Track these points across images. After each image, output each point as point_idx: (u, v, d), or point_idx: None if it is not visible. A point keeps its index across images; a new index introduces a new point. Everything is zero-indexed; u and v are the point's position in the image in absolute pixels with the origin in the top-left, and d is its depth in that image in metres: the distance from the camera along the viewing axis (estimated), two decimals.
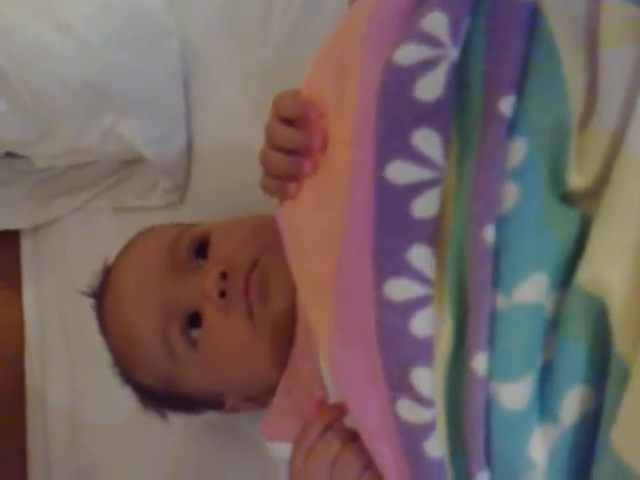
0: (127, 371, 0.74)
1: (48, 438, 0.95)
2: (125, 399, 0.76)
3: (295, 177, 0.56)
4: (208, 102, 0.85)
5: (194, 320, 0.67)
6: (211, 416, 0.78)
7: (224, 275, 0.64)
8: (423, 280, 0.48)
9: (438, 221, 0.47)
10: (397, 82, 0.47)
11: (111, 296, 0.73)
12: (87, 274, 0.78)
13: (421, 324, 0.48)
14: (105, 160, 0.89)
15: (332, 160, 0.53)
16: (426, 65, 0.46)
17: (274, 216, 0.72)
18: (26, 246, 0.98)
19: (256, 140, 0.78)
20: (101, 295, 0.75)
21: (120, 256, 0.75)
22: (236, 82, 0.84)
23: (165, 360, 0.68)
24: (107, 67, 0.79)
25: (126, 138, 0.83)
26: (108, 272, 0.75)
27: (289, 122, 0.56)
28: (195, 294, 0.66)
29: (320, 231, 0.53)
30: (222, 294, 0.64)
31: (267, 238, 0.68)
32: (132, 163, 0.90)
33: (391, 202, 0.48)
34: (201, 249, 0.69)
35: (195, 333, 0.66)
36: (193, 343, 0.67)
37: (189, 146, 0.86)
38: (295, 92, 0.57)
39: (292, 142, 0.55)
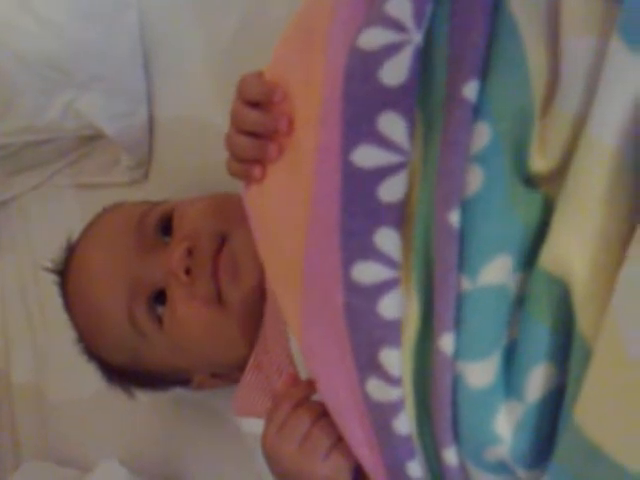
0: (92, 348, 0.74)
1: (14, 416, 0.96)
2: (91, 374, 0.76)
3: (261, 161, 0.56)
4: (170, 78, 0.84)
5: (160, 297, 0.66)
6: (177, 393, 0.78)
7: (190, 252, 0.64)
8: (390, 263, 0.48)
9: (405, 204, 0.48)
10: (362, 66, 0.47)
11: (76, 273, 0.72)
12: (49, 252, 0.77)
13: (389, 306, 0.49)
14: (65, 137, 0.87)
15: (298, 143, 0.53)
16: (391, 50, 0.46)
17: (235, 194, 0.72)
18: None
19: (220, 116, 0.79)
20: (66, 272, 0.74)
21: (85, 233, 0.74)
22: (199, 57, 0.83)
23: (131, 337, 0.68)
24: (66, 42, 0.78)
25: (86, 114, 0.82)
26: (72, 249, 0.74)
27: (254, 105, 0.55)
28: (161, 271, 0.66)
29: (288, 214, 0.54)
30: (188, 271, 0.64)
31: (233, 213, 0.67)
32: (93, 139, 0.89)
33: (358, 186, 0.48)
34: (167, 226, 0.68)
35: (161, 309, 0.66)
36: (159, 320, 0.67)
37: (151, 122, 0.85)
38: (259, 74, 0.57)
39: (257, 125, 0.55)
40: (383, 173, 0.47)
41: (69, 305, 0.74)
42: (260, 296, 0.64)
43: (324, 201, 0.49)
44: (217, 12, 0.82)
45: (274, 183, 0.56)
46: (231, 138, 0.58)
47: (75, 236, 0.75)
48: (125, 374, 0.74)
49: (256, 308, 0.65)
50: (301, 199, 0.51)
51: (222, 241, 0.65)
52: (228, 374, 0.72)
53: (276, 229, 0.55)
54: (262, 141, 0.55)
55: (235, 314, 0.65)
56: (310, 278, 0.52)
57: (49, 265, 0.76)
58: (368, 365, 0.50)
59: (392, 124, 0.47)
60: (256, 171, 0.56)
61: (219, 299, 0.65)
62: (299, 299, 0.53)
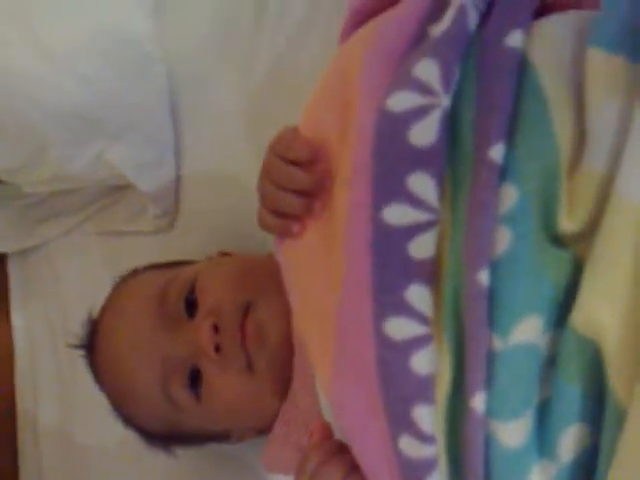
0: (128, 419, 0.75)
1: (41, 460, 0.96)
2: (116, 422, 0.76)
3: (299, 217, 0.56)
4: (198, 128, 0.86)
5: (194, 374, 0.67)
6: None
7: (216, 327, 0.64)
8: (422, 319, 0.49)
9: (435, 262, 0.48)
10: (391, 128, 0.47)
11: (104, 355, 0.73)
12: (76, 298, 0.78)
13: (422, 363, 0.49)
14: (93, 186, 0.89)
15: (332, 200, 0.53)
16: (419, 112, 0.46)
17: (262, 257, 0.73)
18: (13, 270, 0.99)
19: (246, 167, 0.81)
20: (92, 350, 0.75)
21: (106, 310, 0.74)
22: (226, 108, 0.84)
23: (169, 413, 0.69)
24: (96, 94, 0.79)
25: (115, 164, 0.83)
26: (96, 326, 0.75)
27: (292, 161, 0.56)
28: (191, 349, 0.66)
29: (322, 270, 0.54)
30: (217, 348, 0.64)
31: (255, 280, 0.68)
32: (120, 188, 0.90)
33: (389, 243, 0.49)
34: (190, 298, 0.68)
35: (197, 390, 0.67)
36: (197, 397, 0.67)
37: (178, 172, 0.86)
38: (296, 130, 0.58)
39: (302, 183, 0.55)
40: (413, 231, 0.48)
41: (100, 381, 0.75)
42: (288, 353, 0.65)
43: (356, 257, 0.50)
44: (245, 61, 0.84)
45: (309, 238, 0.56)
46: (272, 193, 0.58)
47: (97, 310, 0.75)
48: (164, 438, 0.75)
49: (285, 366, 0.65)
50: (335, 255, 0.52)
51: (246, 309, 0.66)
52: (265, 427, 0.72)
53: (310, 284, 0.56)
54: (306, 198, 0.55)
55: (266, 378, 0.66)
56: (342, 332, 0.52)
57: (73, 340, 0.77)
58: (401, 421, 0.50)
59: (422, 183, 0.47)
60: (296, 227, 0.56)
61: (250, 368, 0.65)
62: (331, 354, 0.53)
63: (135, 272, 0.77)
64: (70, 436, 0.94)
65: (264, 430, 0.72)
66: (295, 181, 0.55)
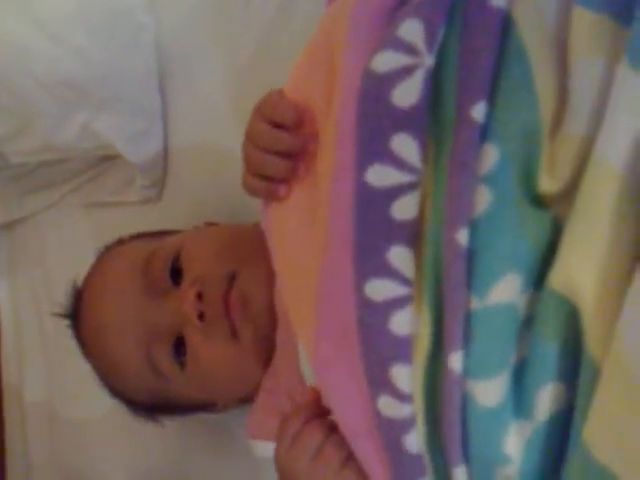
0: (114, 389, 0.75)
1: (27, 434, 0.96)
2: (102, 393, 0.77)
3: (285, 179, 0.56)
4: (186, 98, 0.85)
5: (178, 343, 0.67)
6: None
7: (200, 296, 0.65)
8: (403, 280, 0.49)
9: (417, 223, 0.49)
10: (375, 89, 0.47)
11: (89, 324, 0.73)
12: (63, 270, 0.78)
13: (400, 323, 0.49)
14: (80, 156, 0.89)
15: (318, 162, 0.54)
16: (403, 72, 0.47)
17: (248, 226, 0.73)
18: (0, 242, 0.98)
19: (234, 137, 0.79)
20: (77, 320, 0.75)
21: (91, 279, 0.74)
22: (214, 78, 0.84)
23: (154, 382, 0.69)
24: (83, 63, 0.79)
25: (102, 134, 0.82)
26: (80, 294, 0.75)
27: (277, 124, 0.56)
28: (175, 318, 0.66)
29: (307, 232, 0.54)
30: (201, 315, 0.64)
31: (241, 251, 0.69)
32: (108, 158, 0.89)
33: (371, 204, 0.49)
34: (175, 267, 0.68)
35: (182, 358, 0.67)
36: (181, 365, 0.67)
37: (166, 142, 0.86)
38: (282, 94, 0.57)
39: (287, 146, 0.55)
40: (396, 192, 0.48)
41: (85, 352, 0.75)
42: (272, 322, 0.65)
43: (339, 219, 0.50)
44: (234, 33, 0.84)
45: (295, 201, 0.57)
46: (256, 156, 0.58)
47: (81, 279, 0.75)
48: (150, 408, 0.75)
49: (269, 335, 0.66)
50: (319, 217, 0.52)
51: (231, 279, 0.66)
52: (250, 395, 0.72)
53: (294, 246, 0.56)
54: (290, 160, 0.55)
55: (251, 347, 0.66)
56: (325, 294, 0.53)
57: (58, 309, 0.77)
58: (379, 381, 0.51)
59: (404, 145, 0.48)
60: (282, 190, 0.57)
61: (235, 335, 0.65)
62: (314, 315, 0.54)
63: (120, 241, 0.77)
64: (56, 408, 0.94)
65: (248, 399, 0.72)
66: (280, 143, 0.55)
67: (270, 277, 0.63)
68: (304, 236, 0.55)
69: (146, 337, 0.67)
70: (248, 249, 0.68)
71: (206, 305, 0.64)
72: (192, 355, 0.67)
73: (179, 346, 0.67)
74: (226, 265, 0.67)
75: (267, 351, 0.66)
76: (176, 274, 0.68)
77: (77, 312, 0.74)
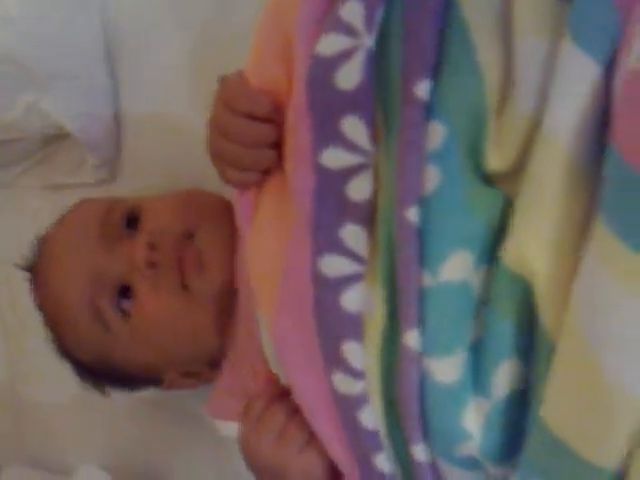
0: (62, 345, 0.73)
1: None
2: (69, 378, 0.76)
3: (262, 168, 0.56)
4: (137, 74, 0.83)
5: (125, 292, 0.66)
6: (154, 394, 0.78)
7: (153, 246, 0.64)
8: (355, 258, 0.50)
9: (372, 203, 0.49)
10: (321, 73, 0.47)
11: (42, 269, 0.72)
12: (18, 253, 0.76)
13: (352, 299, 0.50)
14: (29, 136, 0.86)
15: (285, 147, 0.54)
16: (344, 55, 0.46)
17: (208, 192, 0.72)
18: None
19: (189, 112, 0.79)
20: (35, 267, 0.74)
21: (53, 228, 0.74)
22: (167, 51, 0.81)
23: (97, 333, 0.68)
24: (22, 37, 0.75)
25: (49, 113, 0.80)
26: (41, 243, 0.74)
27: (253, 116, 0.55)
28: (125, 265, 0.65)
29: (278, 214, 0.55)
30: (151, 265, 0.63)
31: (197, 211, 0.68)
32: (59, 138, 0.87)
33: (328, 185, 0.49)
34: (133, 221, 0.68)
35: (126, 304, 0.66)
36: (124, 314, 0.66)
37: (118, 121, 0.84)
38: (242, 78, 0.56)
39: (271, 138, 0.54)
40: (349, 173, 0.48)
41: (38, 301, 0.74)
42: (228, 292, 0.64)
43: (301, 200, 0.50)
44: (184, 7, 0.81)
45: (269, 185, 0.56)
46: (235, 151, 0.56)
47: (44, 232, 0.75)
48: (97, 372, 0.74)
49: (224, 302, 0.65)
50: (288, 203, 0.53)
51: (187, 237, 0.65)
52: (199, 372, 0.71)
53: (267, 227, 0.56)
54: (266, 150, 0.55)
55: (201, 304, 0.65)
56: (287, 272, 0.53)
57: (19, 262, 0.76)
58: (333, 358, 0.51)
59: (353, 127, 0.47)
60: (259, 176, 0.57)
61: (184, 287, 0.64)
62: (276, 293, 0.54)
63: (85, 200, 0.75)
64: (21, 394, 0.93)
65: (201, 378, 0.71)
66: (264, 137, 0.54)
67: (228, 243, 0.63)
68: (275, 217, 0.55)
69: (92, 284, 0.66)
70: (208, 211, 0.68)
71: (159, 255, 0.64)
72: (137, 304, 0.65)
73: (125, 295, 0.66)
74: (184, 222, 0.66)
75: (220, 316, 0.65)
76: (133, 227, 0.67)
77: (35, 264, 0.73)
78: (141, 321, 0.66)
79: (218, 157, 0.59)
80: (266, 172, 0.57)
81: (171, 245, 0.64)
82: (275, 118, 0.54)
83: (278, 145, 0.55)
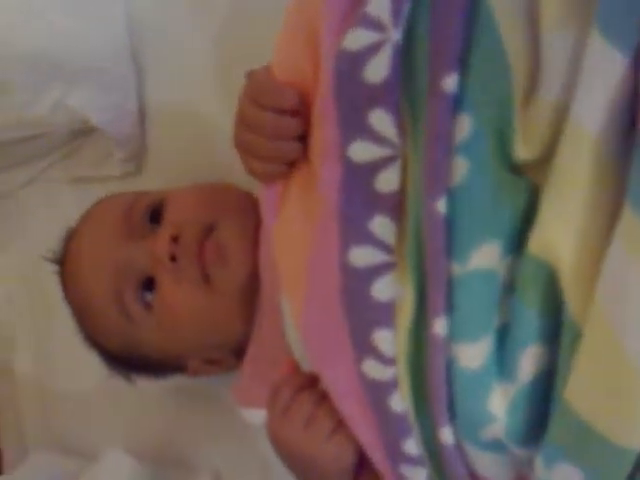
0: (90, 335, 0.76)
1: (18, 406, 0.97)
2: (95, 365, 0.78)
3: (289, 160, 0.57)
4: (162, 68, 0.84)
5: (149, 284, 0.68)
6: (179, 381, 0.79)
7: (175, 239, 0.65)
8: (384, 248, 0.50)
9: (400, 194, 0.49)
10: (348, 67, 0.48)
11: (70, 262, 0.74)
12: (47, 245, 0.78)
13: (382, 289, 0.51)
14: (56, 131, 0.88)
15: (311, 140, 0.55)
16: (372, 49, 0.47)
17: (231, 185, 0.74)
18: None
19: (214, 105, 0.80)
20: (63, 261, 0.76)
21: (79, 222, 0.75)
22: (190, 46, 0.82)
23: (122, 323, 0.70)
24: (52, 35, 0.77)
25: (76, 107, 0.81)
26: (68, 237, 0.76)
27: (280, 110, 0.55)
28: (148, 258, 0.67)
29: (305, 207, 0.56)
30: (173, 257, 0.65)
31: (223, 204, 0.69)
32: (85, 132, 0.88)
33: (356, 178, 0.50)
34: (156, 215, 0.70)
35: (149, 297, 0.68)
36: (147, 306, 0.68)
37: (144, 114, 0.85)
38: (271, 75, 0.57)
39: (297, 131, 0.55)
40: (378, 166, 0.49)
41: (66, 293, 0.76)
42: (251, 284, 0.66)
43: (328, 192, 0.51)
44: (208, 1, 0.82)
45: (296, 178, 0.58)
46: (262, 144, 0.57)
47: (73, 225, 0.77)
48: (123, 360, 0.76)
49: (246, 294, 0.66)
50: (314, 190, 0.53)
51: (210, 230, 0.67)
52: (222, 360, 0.73)
53: (294, 219, 0.57)
54: (300, 143, 0.56)
55: (222, 296, 0.66)
56: (315, 264, 0.54)
57: (49, 255, 0.78)
58: (363, 346, 0.52)
59: (381, 119, 0.48)
60: (280, 170, 0.57)
61: (206, 280, 0.66)
62: (304, 284, 0.55)
63: (113, 195, 0.77)
64: (48, 381, 0.95)
65: (224, 366, 0.73)
66: (291, 130, 0.55)
67: (251, 236, 0.64)
68: (302, 209, 0.56)
69: (117, 276, 0.68)
70: (231, 204, 0.69)
71: (180, 248, 0.65)
72: (160, 296, 0.67)
73: (149, 287, 0.68)
74: (207, 215, 0.68)
75: (243, 306, 0.67)
76: (157, 220, 0.69)
77: (63, 257, 0.75)
78: (163, 313, 0.68)
79: (243, 149, 0.60)
80: (292, 164, 0.58)
81: (193, 238, 0.66)
82: (301, 111, 0.55)
83: (303, 137, 0.56)
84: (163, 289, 0.67)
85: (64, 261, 0.75)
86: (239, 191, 0.73)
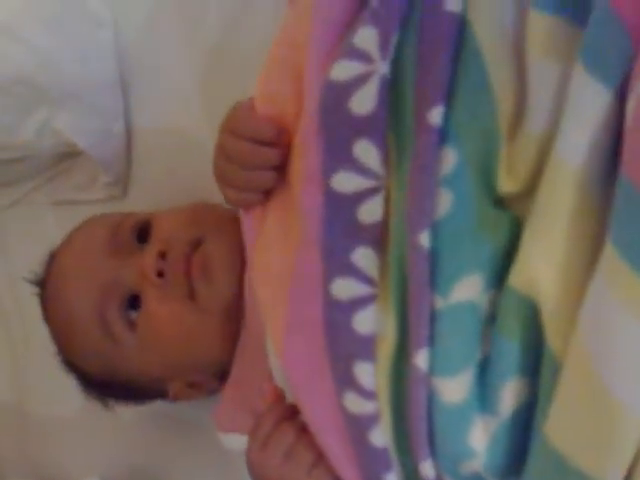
0: (69, 358, 0.74)
1: None
2: (73, 392, 0.77)
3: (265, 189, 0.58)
4: (148, 94, 0.84)
5: (134, 302, 0.67)
6: (160, 406, 0.79)
7: (163, 255, 0.65)
8: (366, 280, 0.50)
9: (382, 226, 0.50)
10: (334, 98, 0.48)
11: (53, 280, 0.73)
12: (27, 269, 0.77)
13: (364, 321, 0.50)
14: (42, 154, 0.87)
15: (291, 170, 0.55)
16: (359, 80, 0.47)
17: (216, 203, 0.73)
18: None
19: (199, 131, 0.80)
20: (44, 282, 0.75)
21: (63, 241, 0.75)
22: (177, 72, 0.83)
23: (104, 343, 0.68)
24: (38, 61, 0.77)
25: (61, 131, 0.81)
26: (51, 258, 0.75)
27: (257, 141, 0.56)
28: (134, 275, 0.66)
29: (282, 235, 0.56)
30: (160, 274, 0.65)
31: (209, 222, 0.69)
32: (71, 156, 0.88)
33: (338, 208, 0.50)
34: (143, 233, 0.69)
35: (134, 314, 0.67)
36: (131, 324, 0.67)
37: (129, 139, 0.85)
38: (252, 108, 0.57)
39: (272, 161, 0.55)
40: (361, 197, 0.49)
41: (46, 313, 0.74)
42: (236, 304, 0.65)
43: (310, 222, 0.51)
44: (195, 25, 0.82)
45: (273, 205, 0.58)
46: (238, 173, 0.58)
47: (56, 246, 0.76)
48: (102, 384, 0.75)
49: (231, 313, 0.66)
50: (293, 220, 0.54)
51: (197, 245, 0.66)
52: (204, 383, 0.72)
53: (272, 247, 0.57)
54: (275, 172, 0.56)
55: (207, 314, 0.66)
56: (295, 293, 0.54)
57: (29, 276, 0.77)
58: (344, 379, 0.52)
59: (365, 151, 0.48)
60: (254, 199, 0.58)
61: (192, 297, 0.65)
62: (284, 314, 0.55)
63: (98, 215, 0.77)
64: (24, 408, 0.94)
65: (206, 390, 0.72)
66: (265, 160, 0.56)
67: (236, 253, 0.64)
68: (281, 237, 0.56)
69: (101, 293, 0.67)
70: (216, 222, 0.69)
71: (167, 264, 0.65)
72: (144, 314, 0.66)
73: (133, 306, 0.67)
74: (194, 231, 0.67)
75: (228, 330, 0.66)
76: (144, 240, 0.69)
77: (45, 278, 0.74)
78: (147, 331, 0.67)
79: (220, 178, 0.60)
80: (267, 193, 0.58)
81: (180, 253, 0.65)
82: (279, 142, 0.55)
83: (279, 167, 0.56)
84: (148, 306, 0.66)
85: (46, 281, 0.74)
86: (225, 209, 0.72)
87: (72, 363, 0.74)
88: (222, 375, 0.69)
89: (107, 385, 0.74)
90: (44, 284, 0.75)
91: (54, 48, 0.78)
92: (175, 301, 0.65)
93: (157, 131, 0.85)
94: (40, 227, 0.92)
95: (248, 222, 0.61)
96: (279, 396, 0.62)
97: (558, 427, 0.45)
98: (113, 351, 0.69)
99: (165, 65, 0.84)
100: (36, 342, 0.89)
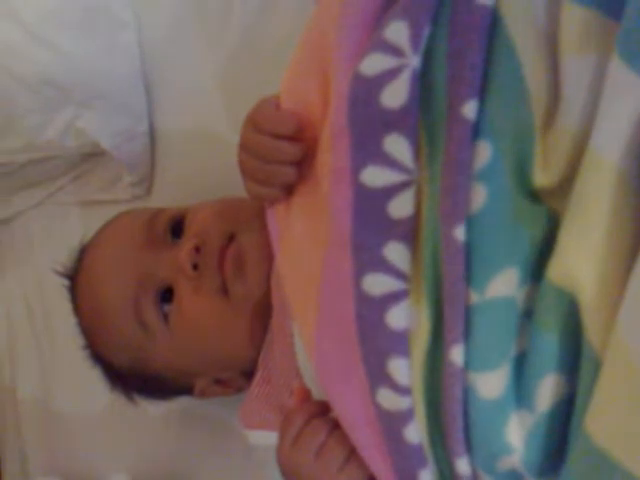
0: (98, 350, 0.75)
1: (21, 432, 0.95)
2: (99, 389, 0.77)
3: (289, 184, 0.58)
4: (172, 93, 0.85)
5: (168, 295, 0.68)
6: (187, 404, 0.79)
7: (198, 249, 0.66)
8: (399, 275, 0.50)
9: (414, 220, 0.49)
10: (364, 92, 0.48)
11: (85, 272, 0.73)
12: (52, 267, 0.78)
13: (397, 317, 0.50)
14: (67, 154, 0.88)
15: (319, 164, 0.54)
16: (390, 74, 0.47)
17: (245, 198, 0.73)
18: None
19: (222, 129, 0.80)
20: (75, 274, 0.75)
21: (96, 234, 0.75)
22: (200, 71, 0.84)
23: (136, 335, 0.69)
24: (64, 62, 0.78)
25: (86, 132, 0.82)
26: (83, 251, 0.75)
27: (278, 135, 0.56)
28: (169, 268, 0.67)
29: (310, 231, 0.56)
30: (195, 267, 0.65)
31: (242, 215, 0.70)
32: (95, 156, 0.89)
33: (368, 203, 0.50)
34: (178, 227, 0.70)
35: (167, 308, 0.68)
36: (165, 316, 0.68)
37: (153, 138, 0.86)
38: (276, 102, 0.57)
39: (291, 156, 0.56)
40: (391, 191, 0.49)
41: (77, 306, 0.75)
42: (265, 301, 0.65)
43: (339, 218, 0.51)
44: (217, 24, 0.83)
45: (299, 201, 0.58)
46: (259, 167, 0.58)
47: (87, 239, 0.76)
48: (128, 378, 0.75)
49: (261, 310, 0.66)
50: (322, 216, 0.53)
51: (231, 240, 0.67)
52: (231, 381, 0.72)
53: (300, 245, 0.57)
54: (296, 167, 0.56)
55: (240, 308, 0.66)
56: (326, 290, 0.54)
57: (60, 269, 0.77)
58: (378, 375, 0.51)
59: (396, 144, 0.48)
60: (275, 193, 0.58)
61: (225, 292, 0.66)
62: (315, 310, 0.54)
63: (127, 210, 0.77)
64: (51, 406, 0.94)
65: (232, 387, 0.72)
66: (284, 154, 0.56)
67: (268, 248, 0.64)
68: (308, 234, 0.56)
69: (137, 286, 0.68)
70: (249, 216, 0.69)
71: (202, 258, 0.65)
72: (177, 307, 0.67)
73: (167, 298, 0.68)
74: (227, 225, 0.68)
75: (258, 326, 0.66)
76: (178, 234, 0.69)
77: (77, 268, 0.75)
78: (179, 323, 0.67)
79: (243, 172, 0.61)
80: (289, 188, 0.58)
81: (215, 247, 0.66)
82: (301, 138, 0.55)
83: (301, 163, 0.56)
84: (181, 299, 0.67)
85: (77, 273, 0.75)
86: (256, 205, 0.71)
87: (101, 356, 0.75)
88: (249, 373, 0.69)
89: (134, 378, 0.74)
90: (75, 276, 0.75)
91: (79, 50, 0.79)
92: (207, 295, 0.66)
93: (180, 131, 0.86)
94: (65, 227, 0.93)
95: (272, 219, 0.61)
96: (306, 394, 0.62)
97: (599, 423, 0.44)
98: (144, 343, 0.69)
99: (188, 65, 0.85)
100: (62, 341, 0.90)
